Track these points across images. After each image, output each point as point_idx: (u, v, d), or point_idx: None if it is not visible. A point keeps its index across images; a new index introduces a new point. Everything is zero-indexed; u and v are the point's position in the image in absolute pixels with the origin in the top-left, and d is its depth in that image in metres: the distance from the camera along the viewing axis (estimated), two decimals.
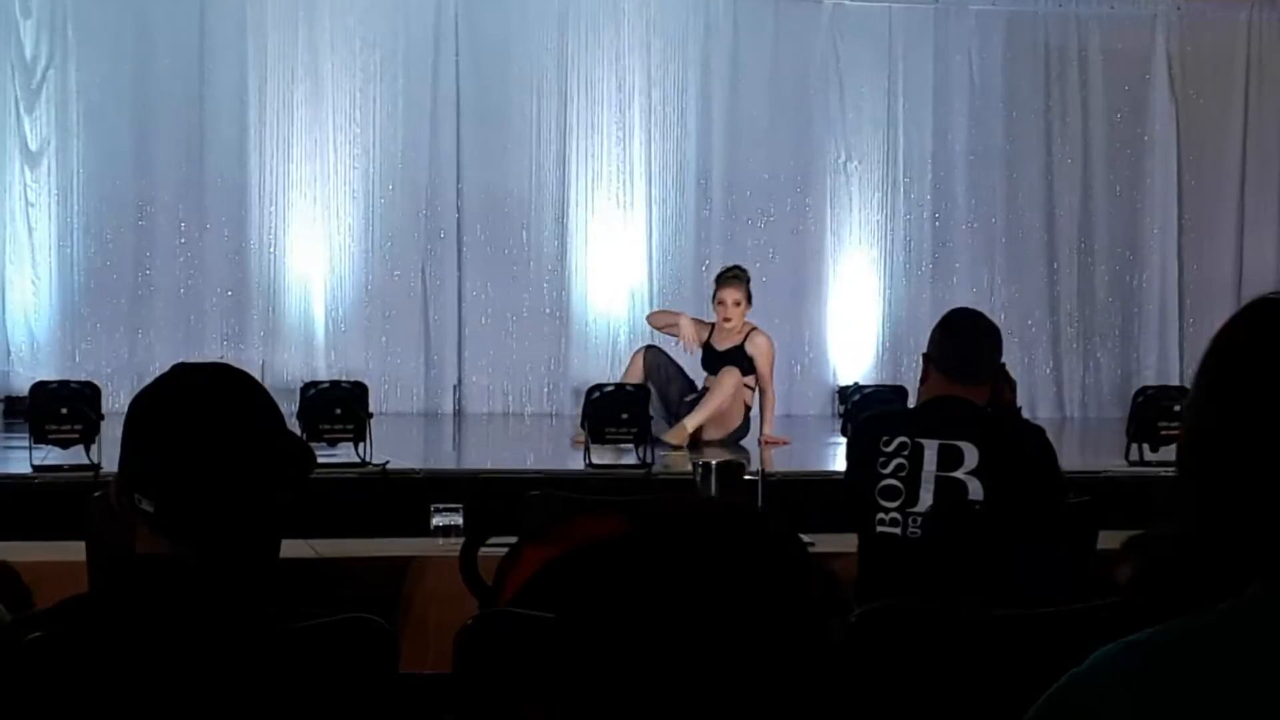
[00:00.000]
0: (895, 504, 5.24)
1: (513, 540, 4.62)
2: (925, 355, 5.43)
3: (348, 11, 12.78)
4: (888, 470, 5.26)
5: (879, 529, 5.27)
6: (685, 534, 1.90)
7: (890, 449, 5.26)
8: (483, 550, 5.14)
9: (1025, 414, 13.40)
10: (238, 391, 2.71)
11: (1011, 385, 5.67)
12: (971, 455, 5.20)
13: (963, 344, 5.42)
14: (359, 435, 8.65)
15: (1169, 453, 9.00)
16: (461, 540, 5.59)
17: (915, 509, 5.22)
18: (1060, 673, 1.55)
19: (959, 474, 5.19)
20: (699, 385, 10.62)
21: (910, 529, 5.24)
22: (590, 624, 1.87)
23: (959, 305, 6.08)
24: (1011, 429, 5.47)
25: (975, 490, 5.18)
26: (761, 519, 1.94)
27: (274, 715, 2.62)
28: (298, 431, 8.59)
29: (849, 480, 5.51)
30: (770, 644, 1.84)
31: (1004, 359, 5.57)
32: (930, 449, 5.22)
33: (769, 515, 1.94)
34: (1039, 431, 5.42)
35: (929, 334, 5.54)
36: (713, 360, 10.55)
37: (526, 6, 13.03)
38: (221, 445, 2.63)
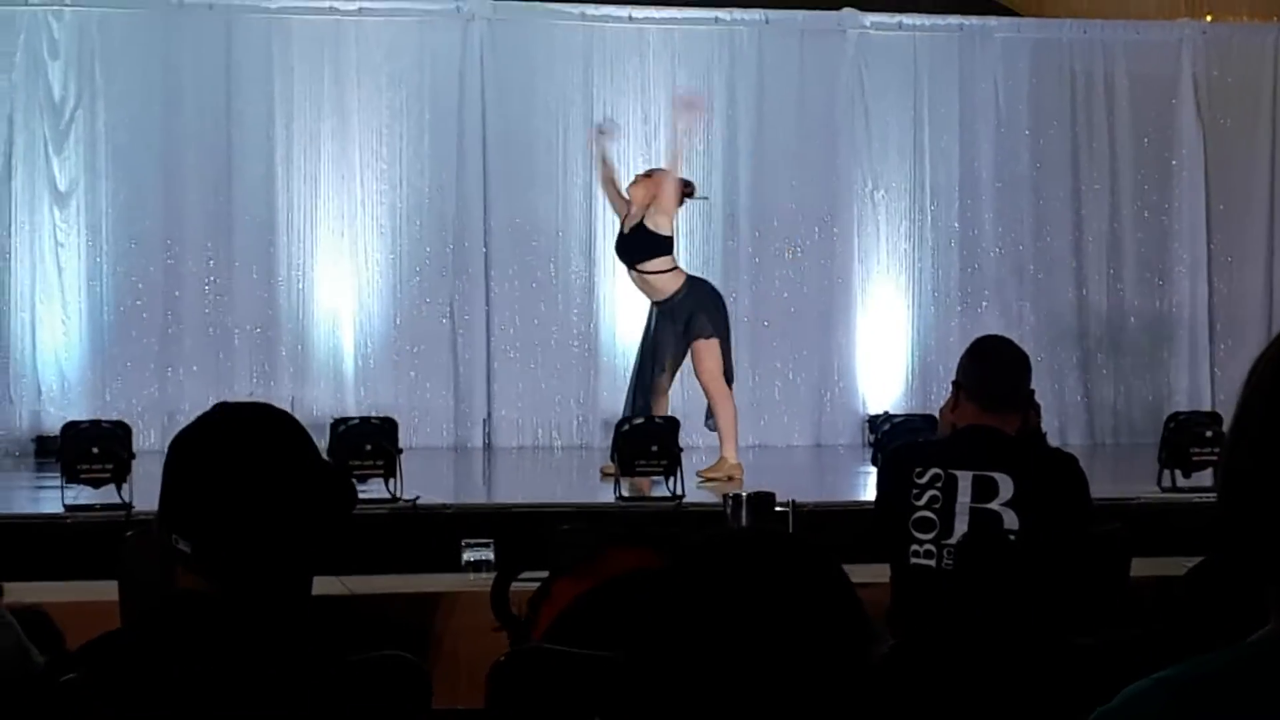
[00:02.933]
0: (930, 536, 5.21)
1: (544, 575, 4.61)
2: (955, 383, 5.42)
3: (374, 48, 12.82)
4: (921, 502, 5.23)
5: (913, 560, 5.24)
6: (728, 563, 1.89)
7: (924, 480, 5.23)
8: (514, 585, 5.14)
9: (1056, 441, 13.42)
10: (278, 431, 2.71)
11: (1037, 410, 5.65)
12: (1007, 486, 5.17)
13: (994, 371, 5.40)
14: (389, 471, 8.66)
15: (1202, 479, 8.97)
16: (493, 575, 5.59)
17: (949, 540, 5.19)
18: (1091, 704, 1.55)
19: (994, 505, 5.16)
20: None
21: (945, 561, 5.21)
22: (645, 657, 1.86)
23: (988, 332, 6.06)
24: (1045, 458, 5.44)
25: (1010, 521, 5.15)
26: (802, 545, 1.93)
27: None
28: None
29: (880, 510, 5.49)
30: (822, 669, 1.83)
31: (1033, 386, 5.56)
32: (965, 480, 5.20)
33: (807, 542, 1.93)
34: (1071, 460, 5.40)
35: (958, 361, 5.53)
36: (625, 246, 10.57)
37: (552, 40, 13.06)
38: (262, 486, 2.63)
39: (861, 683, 1.85)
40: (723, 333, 10.29)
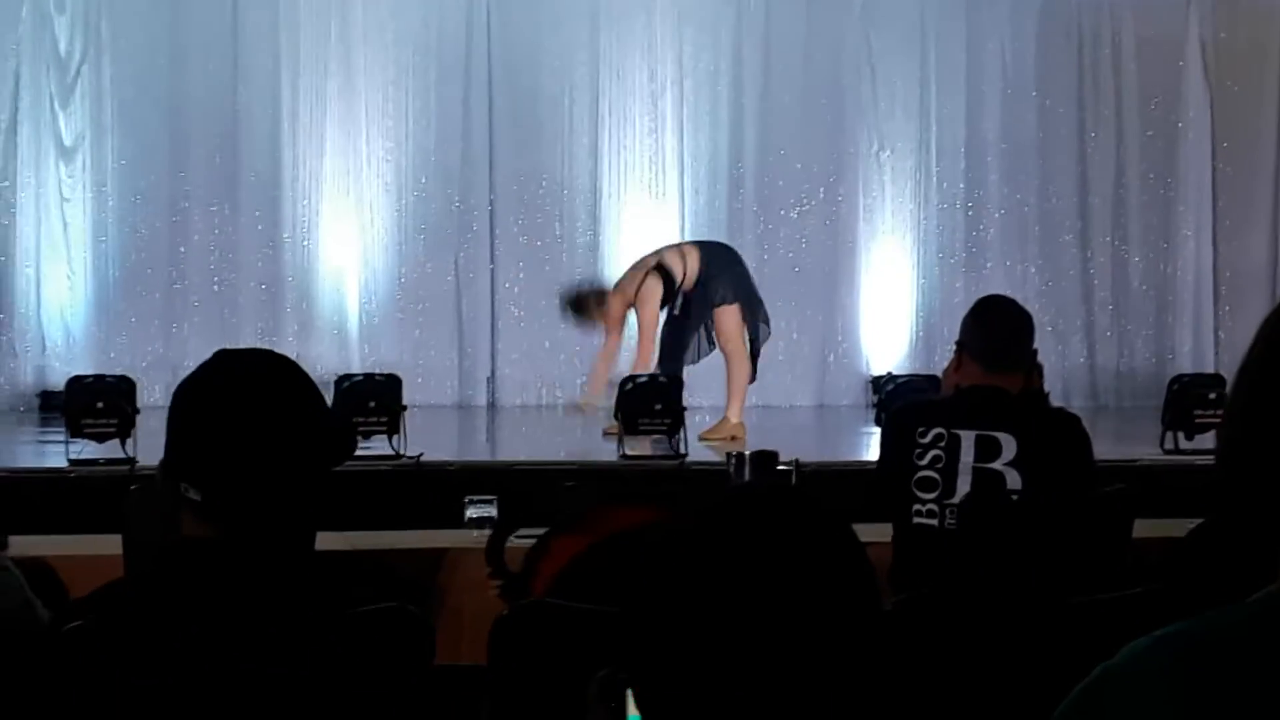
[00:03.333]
0: (932, 495, 5.22)
1: (541, 531, 4.62)
2: (959, 343, 5.42)
3: (380, 5, 12.79)
4: (924, 462, 5.23)
5: (915, 520, 5.25)
6: (739, 518, 1.89)
7: (926, 440, 5.24)
8: (512, 541, 5.15)
9: (1060, 403, 13.41)
10: (280, 376, 2.73)
11: (1040, 370, 5.67)
12: (1010, 446, 5.18)
13: (998, 331, 5.40)
14: (393, 428, 8.67)
15: (1205, 441, 8.98)
16: None
17: (952, 500, 5.20)
18: (1094, 662, 1.56)
19: (997, 465, 5.17)
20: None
21: (948, 520, 5.21)
22: (653, 612, 1.86)
23: (992, 293, 6.05)
24: (1048, 417, 5.43)
25: (1014, 481, 5.16)
26: (809, 500, 1.93)
27: (310, 703, 2.63)
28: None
29: (882, 469, 5.49)
30: (836, 623, 1.83)
31: (1036, 346, 5.56)
32: (968, 440, 5.20)
33: (813, 496, 1.94)
34: (1075, 420, 5.40)
35: (961, 322, 5.52)
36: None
37: None
38: (266, 430, 2.65)
39: (869, 639, 1.86)
40: (742, 296, 10.25)
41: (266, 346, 10.10)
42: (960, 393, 5.36)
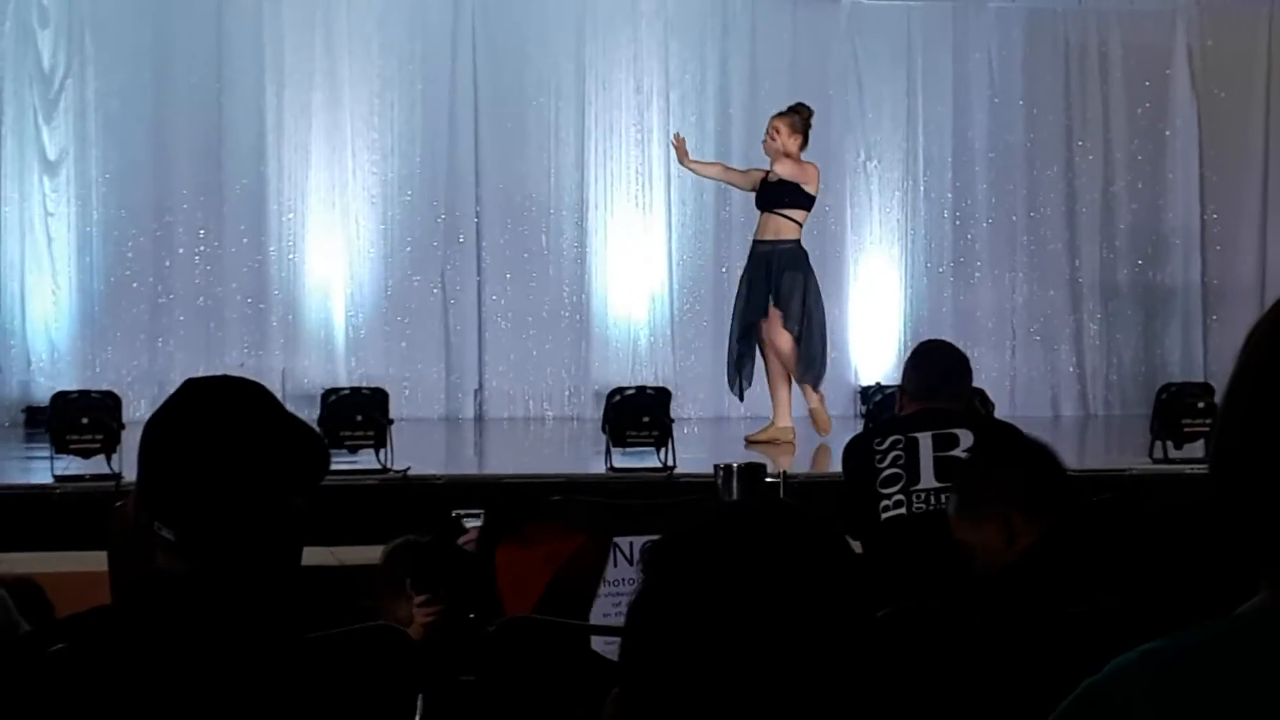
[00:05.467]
0: (897, 488, 5.33)
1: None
2: (900, 389, 5.62)
3: (365, 17, 12.77)
4: (885, 464, 5.36)
5: (884, 516, 5.32)
6: (731, 536, 1.87)
7: (884, 447, 5.40)
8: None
9: (1049, 412, 13.44)
10: (249, 404, 2.68)
11: (987, 405, 5.93)
12: (967, 438, 5.36)
13: (934, 371, 5.61)
14: (380, 442, 8.66)
15: (1194, 450, 8.96)
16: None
17: (918, 486, 5.31)
18: (1078, 672, 1.54)
19: (957, 452, 5.29)
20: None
21: (915, 505, 5.31)
22: (648, 632, 1.84)
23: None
24: (996, 422, 5.77)
25: None
26: (804, 515, 1.91)
27: None
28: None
29: (848, 491, 5.59)
30: (831, 638, 1.82)
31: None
32: (925, 439, 5.37)
33: (808, 512, 1.91)
34: (1016, 428, 5.63)
35: (903, 366, 5.79)
36: (763, 195, 10.66)
37: (544, 9, 13.01)
38: (239, 464, 2.60)
39: (862, 652, 1.84)
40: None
41: (253, 360, 9.99)
42: (912, 412, 5.52)
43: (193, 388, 2.69)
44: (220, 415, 2.63)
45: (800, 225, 10.57)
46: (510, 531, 4.75)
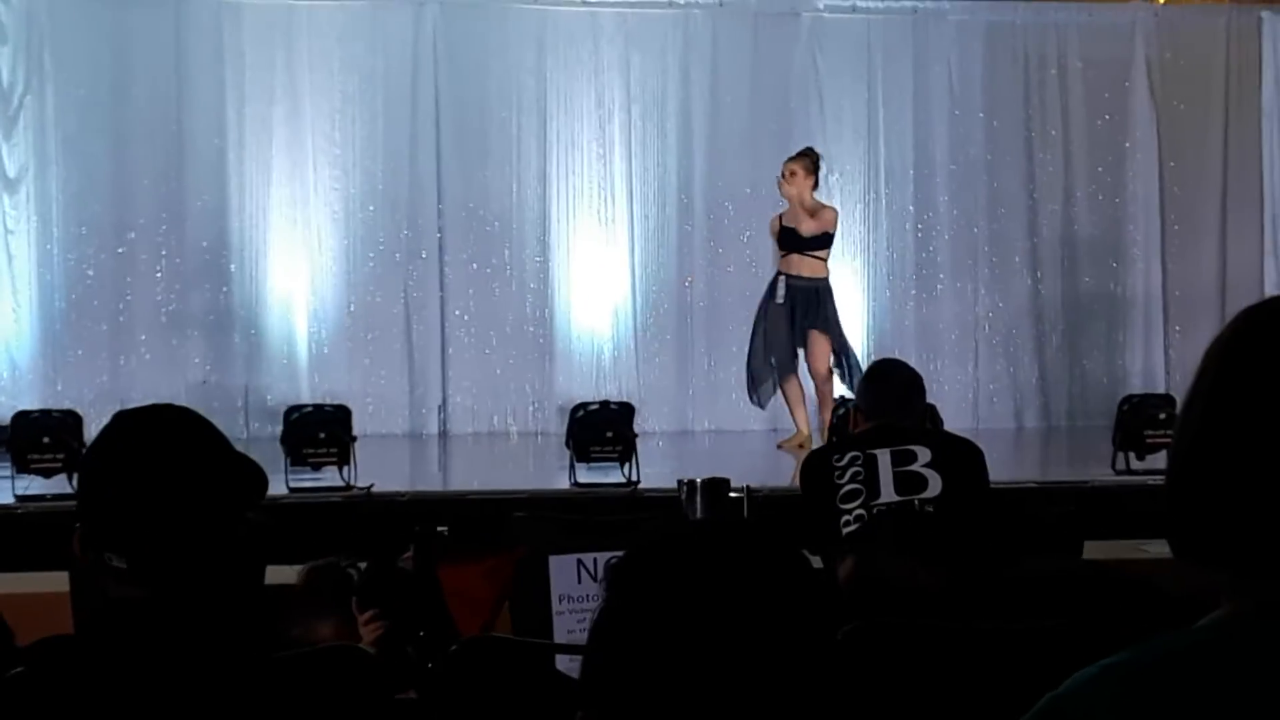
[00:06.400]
0: (857, 503, 5.36)
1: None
2: (856, 407, 5.71)
3: (325, 33, 12.74)
4: (844, 480, 5.40)
5: (845, 531, 5.33)
6: (687, 555, 1.87)
7: (843, 463, 5.44)
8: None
9: (1011, 424, 13.48)
10: (182, 431, 2.68)
11: (939, 424, 6.07)
12: (924, 453, 5.44)
13: (888, 390, 5.72)
14: (343, 458, 8.63)
15: (1156, 461, 8.99)
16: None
17: (878, 500, 5.33)
18: (1039, 686, 1.55)
19: (916, 467, 5.33)
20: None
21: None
22: (610, 649, 1.84)
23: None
24: (951, 436, 5.83)
25: (934, 480, 5.32)
26: (762, 535, 1.91)
27: None
28: (280, 454, 8.56)
29: (806, 506, 5.61)
30: (793, 652, 1.82)
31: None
32: (883, 455, 5.43)
33: (766, 530, 1.91)
34: (972, 443, 5.73)
35: (860, 388, 6.01)
36: (788, 239, 11.17)
37: (505, 24, 13.00)
38: (174, 486, 2.60)
39: (824, 667, 1.84)
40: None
41: (215, 377, 9.94)
42: (867, 429, 5.59)
43: (124, 418, 2.71)
44: (153, 443, 2.64)
45: (826, 261, 11.23)
46: (445, 550, 4.75)
